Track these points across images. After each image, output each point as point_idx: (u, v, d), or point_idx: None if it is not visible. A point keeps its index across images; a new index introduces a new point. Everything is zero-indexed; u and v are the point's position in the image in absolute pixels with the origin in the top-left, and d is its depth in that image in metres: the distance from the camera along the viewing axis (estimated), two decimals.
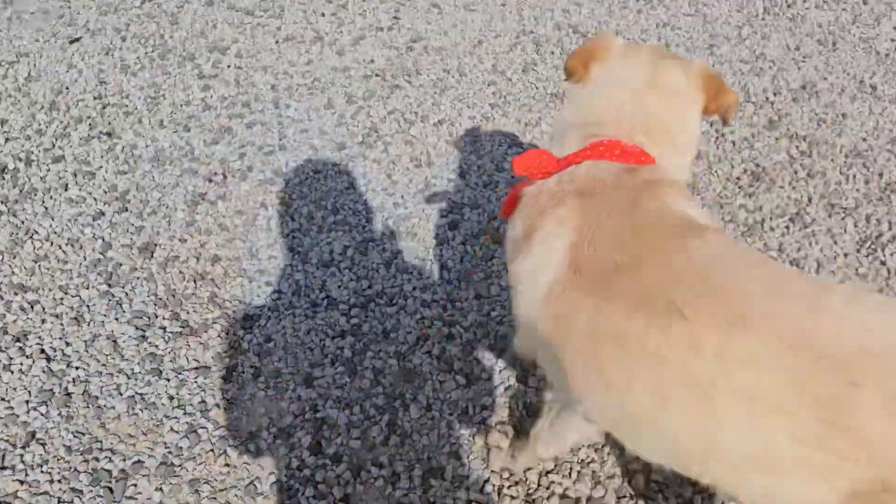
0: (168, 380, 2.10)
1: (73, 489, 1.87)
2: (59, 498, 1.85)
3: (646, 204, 1.29)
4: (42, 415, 2.01)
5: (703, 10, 3.72)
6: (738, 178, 2.82)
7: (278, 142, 2.84)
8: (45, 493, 1.86)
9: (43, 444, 1.95)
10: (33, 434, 1.97)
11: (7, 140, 2.79)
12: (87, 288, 2.32)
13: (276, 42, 3.34)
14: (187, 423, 2.01)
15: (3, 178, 2.64)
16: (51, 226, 2.50)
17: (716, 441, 1.11)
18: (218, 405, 2.05)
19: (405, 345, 2.23)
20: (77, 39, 2.97)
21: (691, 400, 1.11)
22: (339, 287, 2.37)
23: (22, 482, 1.87)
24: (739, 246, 1.31)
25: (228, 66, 3.18)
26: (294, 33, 3.40)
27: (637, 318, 1.15)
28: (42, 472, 1.90)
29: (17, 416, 2.00)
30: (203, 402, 2.06)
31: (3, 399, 2.04)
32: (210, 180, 2.68)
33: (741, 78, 3.28)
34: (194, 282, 2.35)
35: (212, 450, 1.96)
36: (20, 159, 2.73)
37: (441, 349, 2.22)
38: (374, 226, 2.58)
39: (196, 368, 2.14)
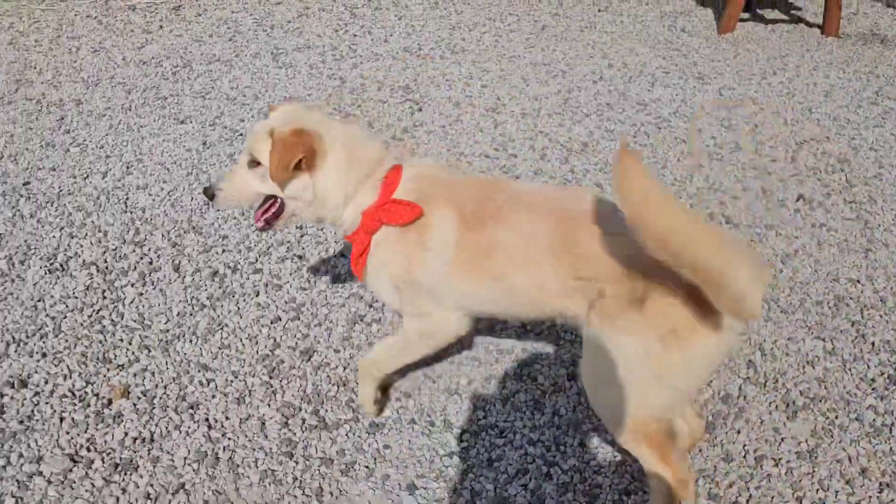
0: (296, 463, 2.42)
1: None
2: None
3: (461, 182, 2.26)
4: (193, 471, 2.38)
5: (864, 216, 3.77)
6: (873, 380, 2.78)
7: None
8: None
9: (188, 495, 2.31)
10: (182, 485, 2.34)
11: (223, 251, 3.42)
12: (253, 376, 2.75)
13: None
14: (303, 501, 2.29)
15: (213, 280, 3.23)
16: (238, 322, 3.00)
17: (519, 284, 2.02)
18: (332, 493, 2.33)
19: (504, 475, 2.40)
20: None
21: (510, 265, 2.01)
22: (457, 413, 2.62)
23: None
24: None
25: None
26: None
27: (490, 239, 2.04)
28: None
29: (175, 467, 2.39)
30: (320, 488, 2.34)
31: (168, 452, 2.45)
32: (371, 306, 3.09)
33: (893, 283, 3.27)
34: (337, 386, 2.71)
35: None
36: (229, 267, 3.31)
37: (537, 485, 2.37)
38: (499, 365, 2.84)
39: (321, 459, 2.44)
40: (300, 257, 3.36)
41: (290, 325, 2.96)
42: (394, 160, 2.23)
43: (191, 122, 4.11)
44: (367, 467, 2.42)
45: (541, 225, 1.97)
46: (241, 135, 3.96)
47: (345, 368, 2.78)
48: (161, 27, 5.30)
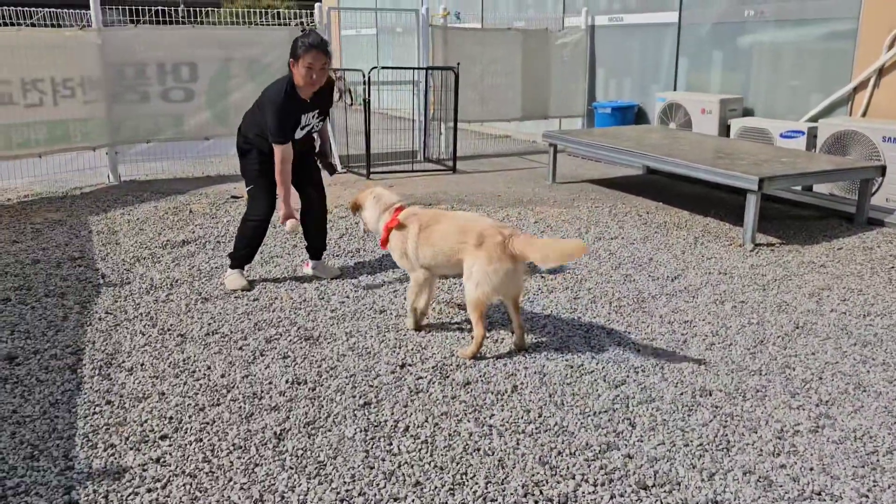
0: None
1: None
2: None
3: (425, 212, 4.19)
4: None
5: None
6: None
7: None
8: None
9: None
10: None
11: None
12: None
13: None
14: None
15: None
16: None
17: (440, 251, 3.95)
18: None
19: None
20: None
21: (437, 240, 3.95)
22: None
23: None
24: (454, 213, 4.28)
25: None
26: None
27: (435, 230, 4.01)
28: None
29: None
30: None
31: None
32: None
33: None
34: None
35: None
36: None
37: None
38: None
39: None
40: None
41: None
42: (398, 204, 4.27)
43: None
44: None
45: (452, 225, 3.94)
46: None
47: None
48: None
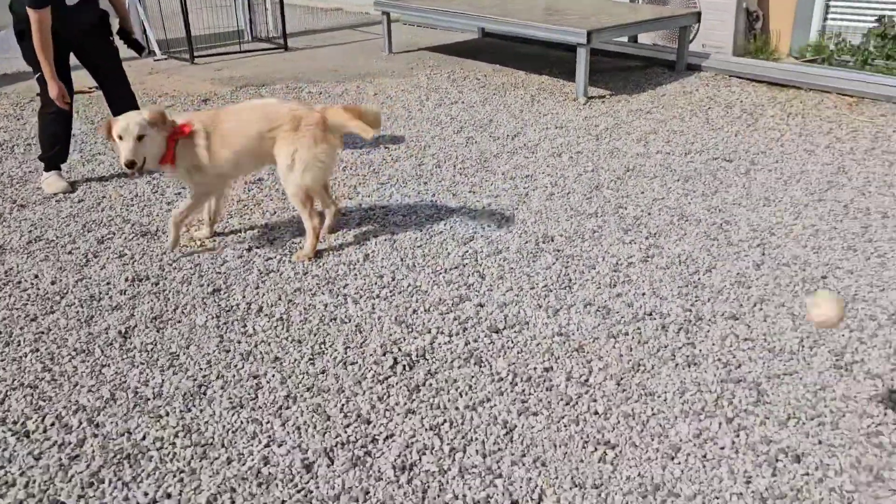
0: None
1: None
2: None
3: (202, 114, 3.63)
4: None
5: None
6: None
7: None
8: None
9: None
10: None
11: None
12: None
13: None
14: None
15: None
16: None
17: (244, 149, 3.47)
18: None
19: None
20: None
21: (235, 138, 3.43)
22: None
23: None
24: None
25: None
26: None
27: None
28: None
29: None
30: None
31: None
32: None
33: None
34: None
35: None
36: None
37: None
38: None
39: None
40: None
41: None
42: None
43: None
44: None
45: (249, 117, 3.51)
46: None
47: None
48: None
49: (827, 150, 4.90)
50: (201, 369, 2.75)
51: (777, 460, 2.33)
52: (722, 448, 2.38)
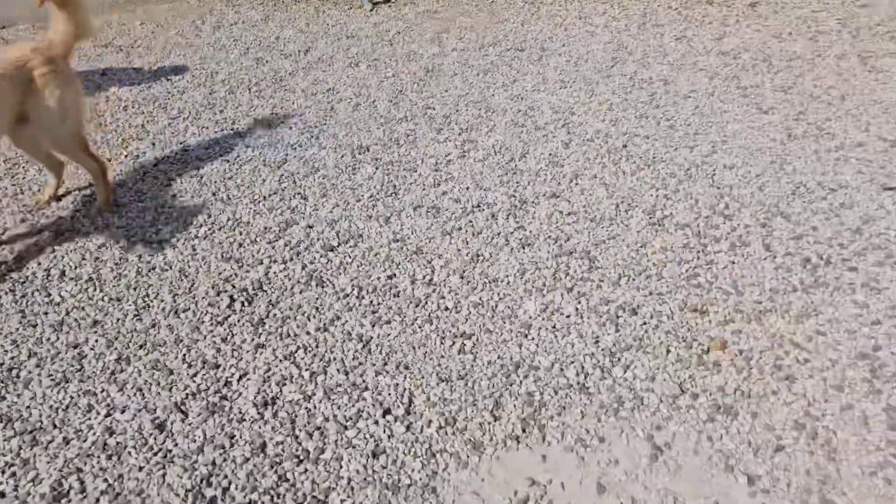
0: None
1: None
2: None
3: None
4: (793, 437, 2.10)
5: None
6: None
7: None
8: None
9: (788, 456, 2.05)
10: (781, 447, 2.08)
11: (814, 242, 2.87)
12: (853, 370, 2.35)
13: None
14: None
15: (804, 267, 3.14)
16: (833, 314, 2.63)
17: None
18: None
19: None
20: (892, 189, 3.24)
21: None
22: None
23: None
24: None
25: None
26: None
27: None
28: None
29: (773, 428, 2.14)
30: None
31: (765, 412, 2.06)
32: None
33: None
34: None
35: None
36: (821, 258, 2.84)
37: None
38: None
39: None
40: None
41: (892, 331, 2.50)
42: None
43: (773, 112, 3.98)
44: None
45: None
46: (829, 133, 3.73)
47: None
48: (738, 21, 5.35)
49: (606, 30, 5.17)
50: (6, 351, 2.40)
51: (618, 317, 2.51)
52: (568, 316, 2.51)
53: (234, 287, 2.68)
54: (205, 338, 2.45)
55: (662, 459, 2.02)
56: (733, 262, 2.81)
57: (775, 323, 2.51)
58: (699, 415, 2.16)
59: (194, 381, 2.28)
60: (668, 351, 2.39)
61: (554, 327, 2.47)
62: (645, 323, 2.49)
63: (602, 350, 2.37)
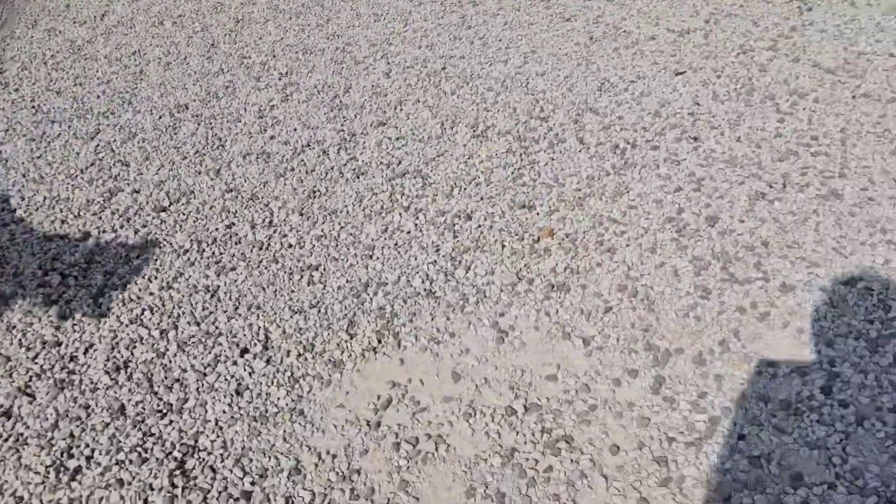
0: (713, 306, 2.02)
1: None
2: None
3: None
4: (617, 299, 2.12)
5: None
6: None
7: (838, 170, 2.83)
8: None
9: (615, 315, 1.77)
10: (609, 308, 2.24)
11: (621, 129, 3.15)
12: (662, 232, 2.59)
13: (853, 97, 3.25)
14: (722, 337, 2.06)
15: (615, 153, 3.01)
16: (642, 189, 2.80)
17: None
18: (748, 336, 2.19)
19: None
20: (682, 73, 3.55)
21: None
22: None
23: None
24: None
25: (804, 109, 3.22)
26: (872, 91, 3.28)
27: None
28: None
29: (601, 294, 2.15)
30: (737, 329, 2.23)
31: (594, 283, 1.77)
32: (771, 186, 2.79)
33: None
34: (745, 249, 2.50)
35: None
36: (628, 143, 3.05)
37: None
38: None
39: (736, 307, 2.31)
40: (695, 139, 3.09)
41: (691, 195, 2.77)
42: None
43: (575, 19, 4.18)
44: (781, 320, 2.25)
45: None
46: (625, 31, 4.00)
47: (750, 236, 2.55)
48: None
49: None
50: None
51: (454, 224, 2.64)
52: (408, 232, 2.61)
53: (63, 263, 2.56)
54: (40, 320, 2.34)
55: (508, 340, 2.20)
56: (552, 159, 3.01)
57: (594, 205, 2.74)
58: (536, 296, 2.35)
59: (36, 363, 2.18)
60: (503, 246, 2.56)
61: (396, 245, 2.56)
62: (479, 226, 2.65)
63: (443, 256, 2.50)
